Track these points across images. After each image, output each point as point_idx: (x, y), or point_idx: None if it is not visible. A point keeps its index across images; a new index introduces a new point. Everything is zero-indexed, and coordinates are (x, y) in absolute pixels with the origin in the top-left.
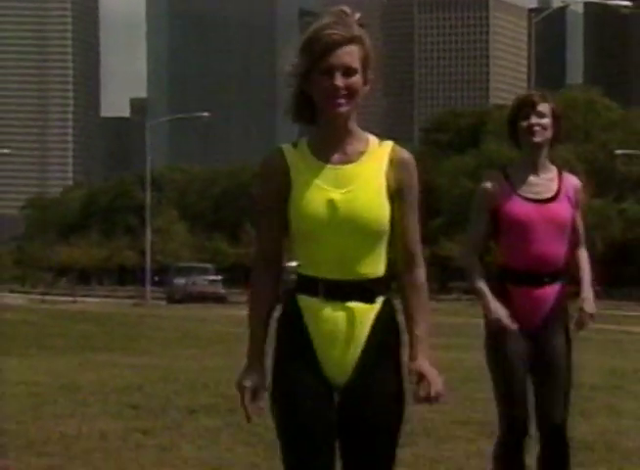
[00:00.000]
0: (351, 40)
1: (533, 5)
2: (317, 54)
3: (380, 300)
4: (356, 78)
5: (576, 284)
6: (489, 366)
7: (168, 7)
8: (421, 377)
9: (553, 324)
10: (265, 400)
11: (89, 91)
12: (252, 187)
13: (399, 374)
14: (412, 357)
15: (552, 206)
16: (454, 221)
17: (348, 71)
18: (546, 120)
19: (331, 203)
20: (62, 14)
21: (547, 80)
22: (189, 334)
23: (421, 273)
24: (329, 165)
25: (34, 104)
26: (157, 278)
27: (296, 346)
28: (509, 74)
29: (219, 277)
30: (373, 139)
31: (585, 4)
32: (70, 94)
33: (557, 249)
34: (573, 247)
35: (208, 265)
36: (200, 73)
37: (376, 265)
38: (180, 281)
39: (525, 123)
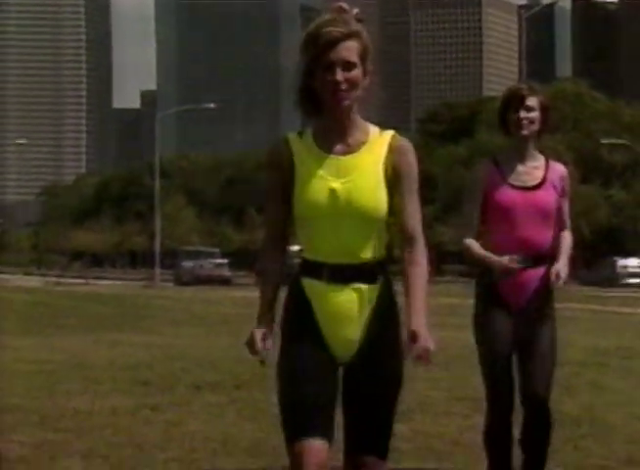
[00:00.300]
0: (349, 36)
1: (523, 2)
2: (318, 51)
3: (380, 281)
4: (356, 72)
5: None
6: (476, 345)
7: (176, 1)
8: (415, 337)
9: (537, 304)
10: (272, 343)
11: (102, 84)
12: (257, 174)
13: (399, 351)
14: (409, 318)
15: (537, 193)
16: (448, 208)
17: (348, 66)
18: (534, 114)
19: (332, 192)
20: (75, 10)
21: (537, 74)
22: (196, 314)
23: (420, 252)
24: (331, 156)
25: (50, 96)
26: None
27: (303, 325)
28: (501, 68)
29: (225, 261)
30: (374, 129)
31: (573, 1)
32: (84, 86)
33: (540, 234)
34: (559, 231)
35: (215, 249)
36: (207, 66)
37: (376, 249)
38: (188, 264)
39: (514, 117)
